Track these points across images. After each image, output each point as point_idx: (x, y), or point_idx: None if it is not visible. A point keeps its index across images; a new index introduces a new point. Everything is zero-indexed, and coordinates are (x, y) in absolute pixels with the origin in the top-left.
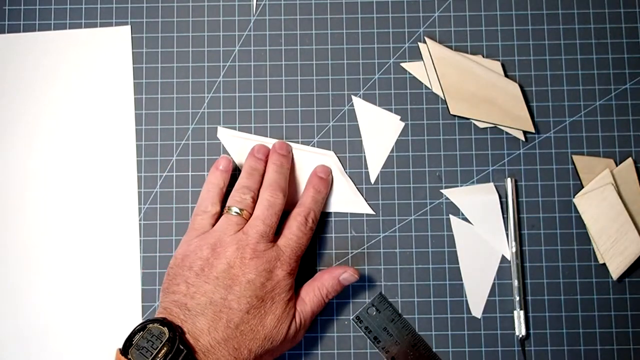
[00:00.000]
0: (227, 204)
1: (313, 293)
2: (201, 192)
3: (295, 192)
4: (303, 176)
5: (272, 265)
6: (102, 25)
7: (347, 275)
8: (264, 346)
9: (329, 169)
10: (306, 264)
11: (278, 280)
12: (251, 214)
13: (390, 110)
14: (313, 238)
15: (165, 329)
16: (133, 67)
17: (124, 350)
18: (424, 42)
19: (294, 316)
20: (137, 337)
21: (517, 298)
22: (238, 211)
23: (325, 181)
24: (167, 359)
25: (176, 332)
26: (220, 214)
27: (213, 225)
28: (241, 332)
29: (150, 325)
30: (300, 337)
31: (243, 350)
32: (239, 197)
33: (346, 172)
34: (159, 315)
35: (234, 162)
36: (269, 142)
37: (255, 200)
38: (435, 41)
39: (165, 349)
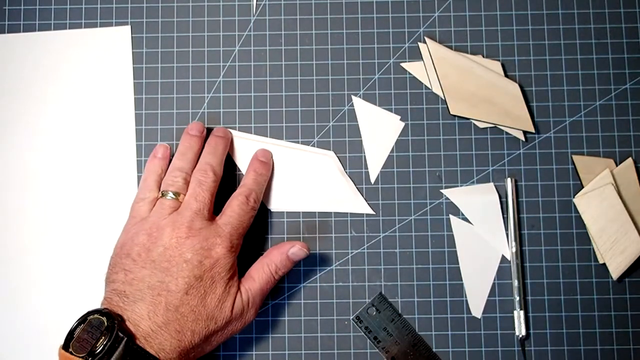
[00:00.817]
0: (161, 188)
1: (262, 270)
2: (140, 181)
3: (295, 193)
4: (303, 177)
5: (210, 243)
6: (102, 25)
7: (296, 249)
8: (208, 327)
9: (269, 153)
10: (306, 264)
11: (217, 257)
12: (185, 196)
13: (390, 110)
14: (313, 238)
15: (104, 319)
16: (133, 67)
17: (66, 344)
18: (424, 42)
19: (237, 293)
20: (78, 329)
21: (517, 298)
22: (173, 195)
23: (266, 164)
24: (105, 347)
25: (114, 321)
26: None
27: (151, 211)
28: (182, 314)
29: (91, 316)
30: (250, 316)
31: (186, 332)
32: (171, 181)
33: (346, 172)
34: (101, 306)
35: (171, 150)
36: (269, 142)
37: (187, 181)
38: (435, 41)
39: (103, 338)
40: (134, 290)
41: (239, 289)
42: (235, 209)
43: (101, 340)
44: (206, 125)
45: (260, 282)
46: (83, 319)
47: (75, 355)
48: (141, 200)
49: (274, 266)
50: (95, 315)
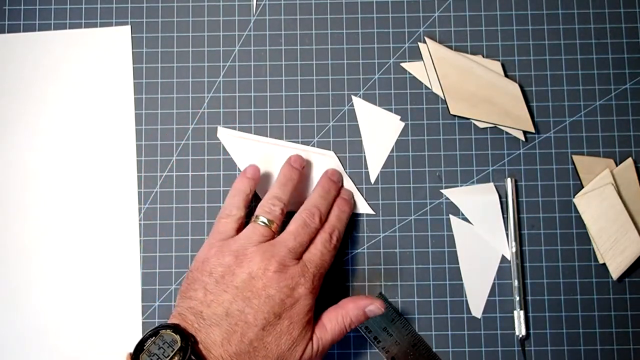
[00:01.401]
0: (256, 212)
1: (336, 321)
2: (227, 197)
3: (295, 193)
4: (304, 177)
5: (294, 282)
6: (102, 25)
7: (374, 307)
8: None
9: (351, 193)
10: None
11: (299, 297)
12: (279, 226)
13: (390, 110)
14: None
15: (178, 337)
16: (133, 67)
17: (135, 355)
18: (424, 42)
19: (310, 340)
20: (148, 342)
21: (517, 298)
22: (266, 222)
23: (349, 203)
24: None
25: (189, 342)
26: (244, 220)
27: (236, 230)
28: (254, 349)
29: (163, 331)
30: None
31: None
32: (268, 208)
33: (346, 172)
34: (172, 320)
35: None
36: (269, 142)
37: (284, 212)
38: (435, 41)
39: (176, 358)
40: (211, 313)
41: (312, 336)
42: (319, 246)
43: None
44: (206, 125)
45: (333, 334)
46: (155, 332)
47: None
48: (227, 217)
49: (348, 319)
50: (168, 331)
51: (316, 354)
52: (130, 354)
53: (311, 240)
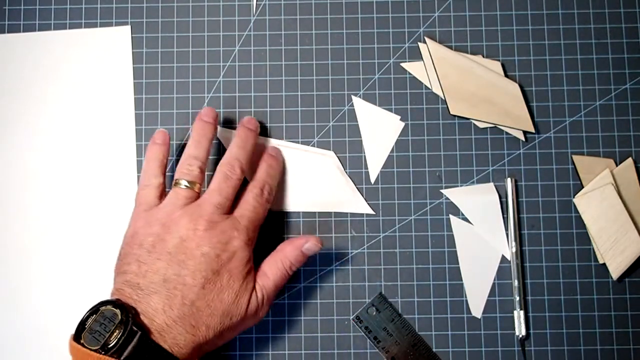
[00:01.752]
0: (175, 176)
1: (276, 266)
2: (142, 169)
3: (295, 193)
4: (303, 177)
5: (227, 236)
6: (102, 25)
7: (310, 245)
8: (223, 322)
9: (279, 149)
10: (306, 264)
11: (234, 250)
12: (202, 185)
13: (390, 110)
14: None
15: (118, 311)
16: (133, 67)
17: (77, 334)
18: (424, 42)
19: (253, 290)
20: (89, 320)
21: (517, 298)
22: (187, 184)
23: (276, 159)
24: (119, 341)
25: (129, 314)
26: (165, 186)
27: (159, 197)
28: (197, 309)
29: (103, 307)
30: (263, 313)
31: (201, 327)
32: (186, 169)
33: (346, 172)
34: (112, 297)
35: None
36: (269, 142)
37: (203, 171)
38: (435, 41)
39: (117, 331)
40: (148, 283)
41: (254, 286)
42: (250, 201)
43: (115, 334)
44: None
45: (275, 279)
46: (95, 310)
47: (87, 348)
48: (146, 187)
49: (288, 262)
50: (108, 307)
51: (262, 302)
52: (73, 335)
53: (237, 193)
